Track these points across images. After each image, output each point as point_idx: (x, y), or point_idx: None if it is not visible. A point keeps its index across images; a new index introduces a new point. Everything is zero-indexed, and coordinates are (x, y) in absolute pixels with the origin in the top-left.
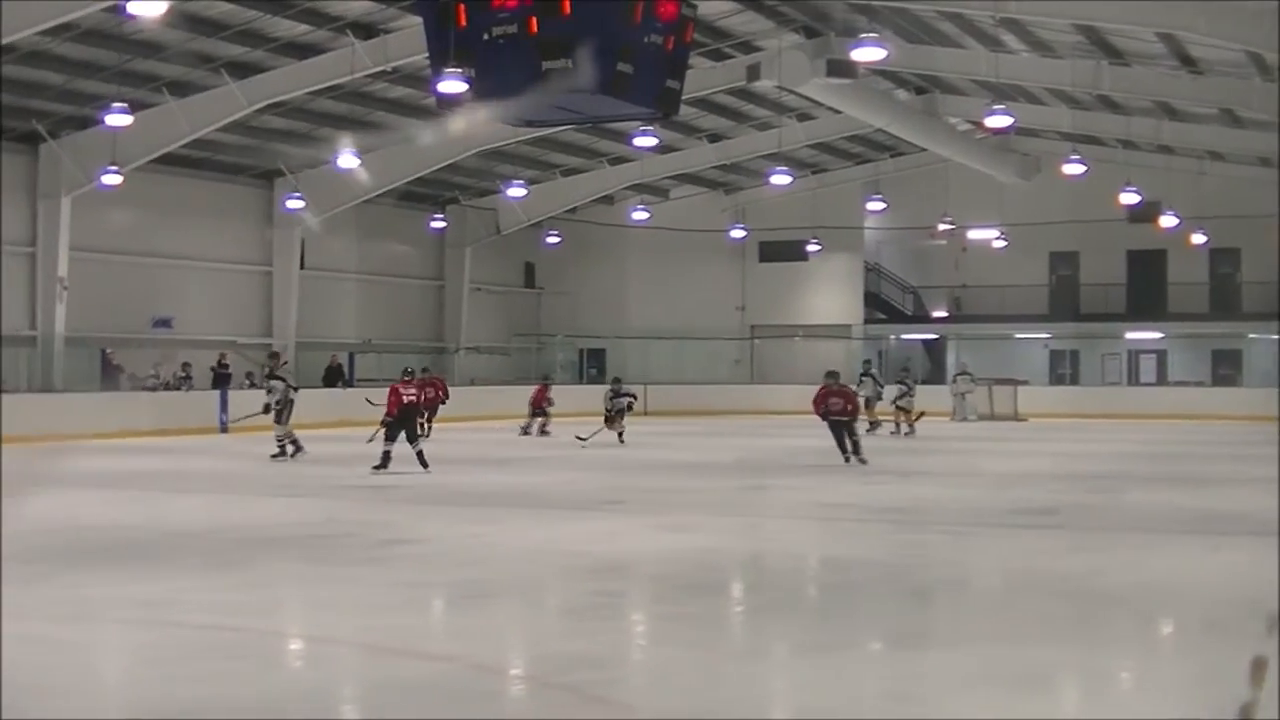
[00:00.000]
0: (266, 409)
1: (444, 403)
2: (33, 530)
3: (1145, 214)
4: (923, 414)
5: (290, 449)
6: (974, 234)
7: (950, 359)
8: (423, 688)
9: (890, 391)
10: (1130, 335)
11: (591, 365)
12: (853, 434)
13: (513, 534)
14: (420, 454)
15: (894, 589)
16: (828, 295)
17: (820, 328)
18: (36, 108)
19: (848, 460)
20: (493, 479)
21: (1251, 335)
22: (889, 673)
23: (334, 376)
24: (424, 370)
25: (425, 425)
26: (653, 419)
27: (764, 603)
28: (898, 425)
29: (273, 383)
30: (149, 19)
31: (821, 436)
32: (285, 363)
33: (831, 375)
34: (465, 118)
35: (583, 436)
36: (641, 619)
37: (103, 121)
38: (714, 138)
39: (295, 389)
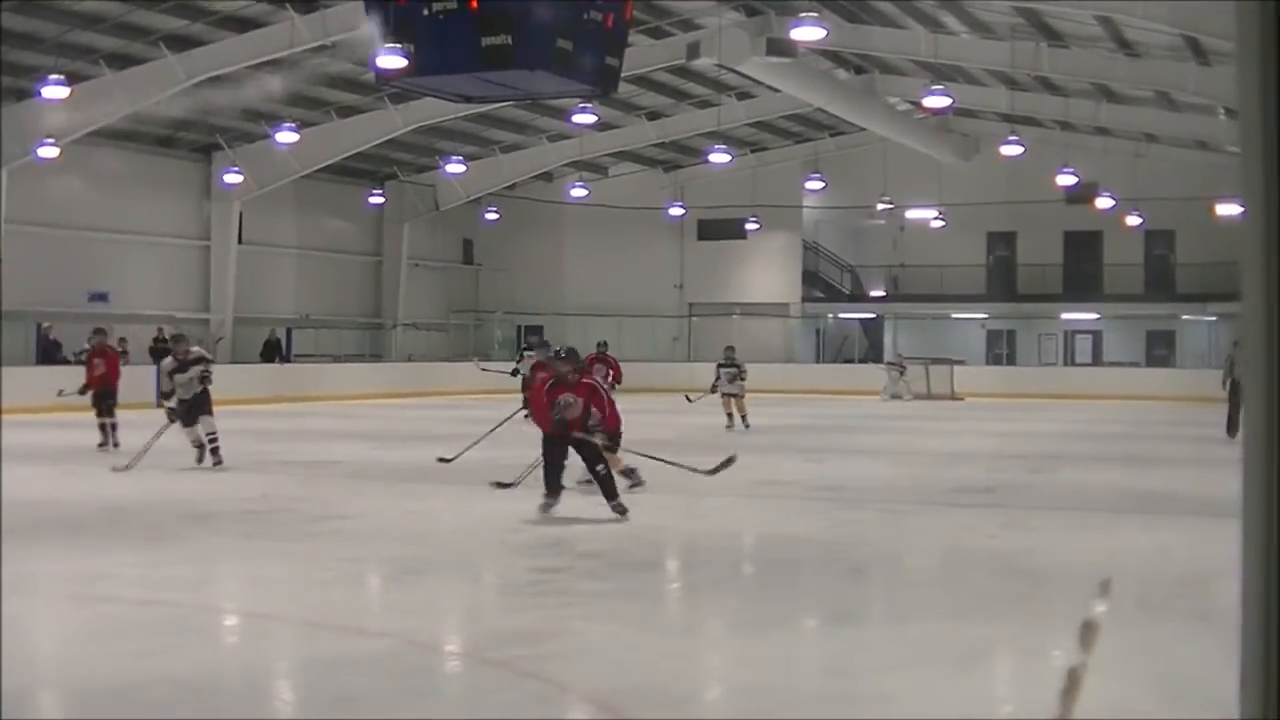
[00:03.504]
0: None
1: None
2: None
3: (1082, 195)
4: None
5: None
6: (912, 214)
7: (888, 338)
8: (359, 663)
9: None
10: (1066, 316)
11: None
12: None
13: (449, 510)
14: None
15: (831, 567)
16: (766, 274)
17: (758, 306)
18: None
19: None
20: (429, 454)
21: (1185, 316)
22: (825, 649)
23: (271, 352)
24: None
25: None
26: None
27: (700, 580)
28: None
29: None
30: None
31: (763, 414)
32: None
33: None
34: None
35: (691, 398)
36: (577, 596)
37: (39, 94)
38: (653, 115)
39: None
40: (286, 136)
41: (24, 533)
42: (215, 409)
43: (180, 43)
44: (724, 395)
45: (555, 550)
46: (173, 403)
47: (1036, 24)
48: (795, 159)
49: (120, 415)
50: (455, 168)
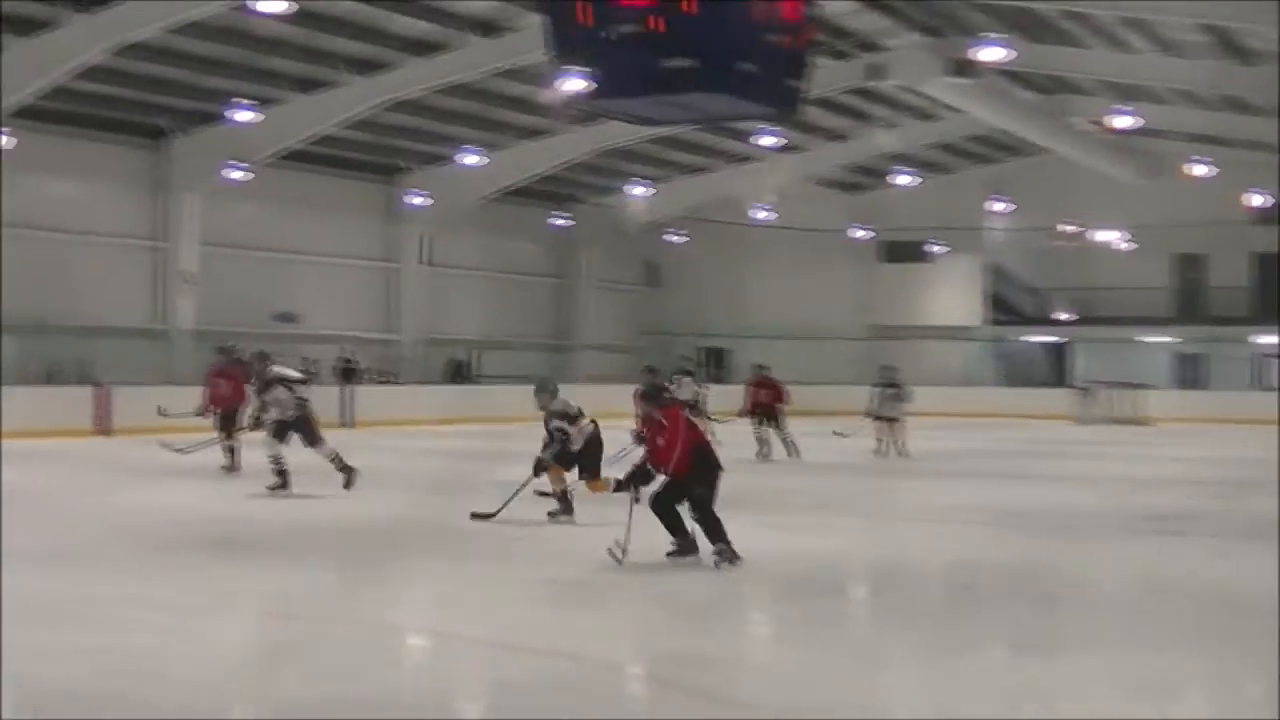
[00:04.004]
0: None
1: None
2: (164, 521)
3: (1272, 216)
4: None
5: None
6: (1098, 235)
7: (1074, 362)
8: (543, 685)
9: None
10: (1256, 339)
11: (712, 364)
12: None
13: (633, 532)
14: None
15: (1019, 593)
16: (948, 296)
17: (940, 329)
18: (163, 103)
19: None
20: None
21: None
22: (1014, 677)
23: (455, 373)
24: (761, 367)
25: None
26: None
27: (885, 605)
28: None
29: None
30: (273, 16)
31: (946, 439)
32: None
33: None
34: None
35: (841, 432)
36: (760, 619)
37: (228, 117)
38: (836, 137)
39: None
40: (471, 159)
41: (217, 550)
42: (404, 427)
43: (364, 66)
44: (879, 419)
45: (739, 573)
46: (269, 416)
47: (1223, 41)
48: (978, 180)
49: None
50: (638, 190)
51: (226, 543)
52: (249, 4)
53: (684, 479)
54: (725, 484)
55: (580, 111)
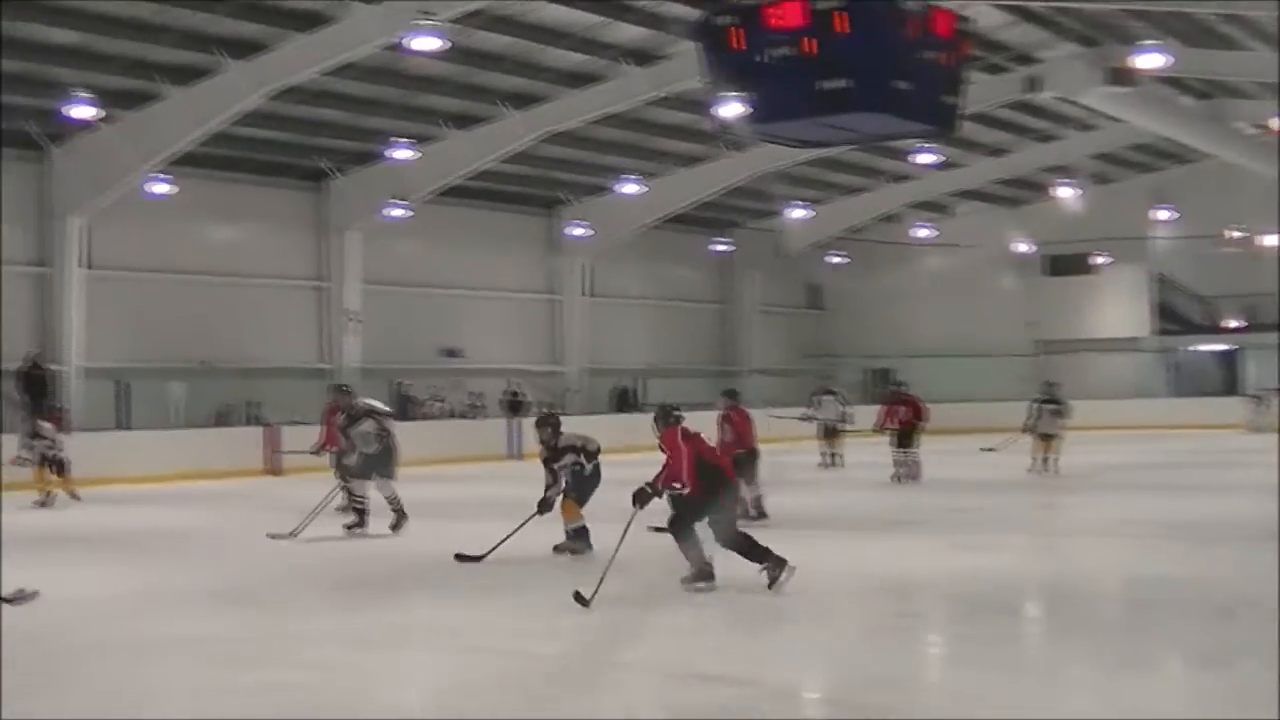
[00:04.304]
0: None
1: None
2: (337, 559)
3: None
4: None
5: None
6: (1265, 240)
7: (1245, 370)
8: (723, 711)
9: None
10: None
11: (878, 384)
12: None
13: (804, 555)
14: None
15: (1197, 608)
16: (1114, 307)
17: (1107, 341)
18: (321, 145)
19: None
20: (780, 500)
21: None
22: (1195, 693)
23: (619, 401)
24: (898, 385)
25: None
26: (941, 437)
27: (1062, 622)
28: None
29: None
30: (428, 54)
31: (1116, 452)
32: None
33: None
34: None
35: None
36: (938, 639)
37: (387, 156)
38: (995, 152)
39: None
40: (630, 188)
41: (390, 586)
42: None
43: (520, 100)
44: (1039, 435)
45: (917, 594)
46: (351, 460)
47: None
48: (1141, 189)
49: (468, 469)
50: (798, 212)
51: (396, 578)
52: (404, 44)
53: (696, 500)
54: (885, 505)
55: (737, 136)
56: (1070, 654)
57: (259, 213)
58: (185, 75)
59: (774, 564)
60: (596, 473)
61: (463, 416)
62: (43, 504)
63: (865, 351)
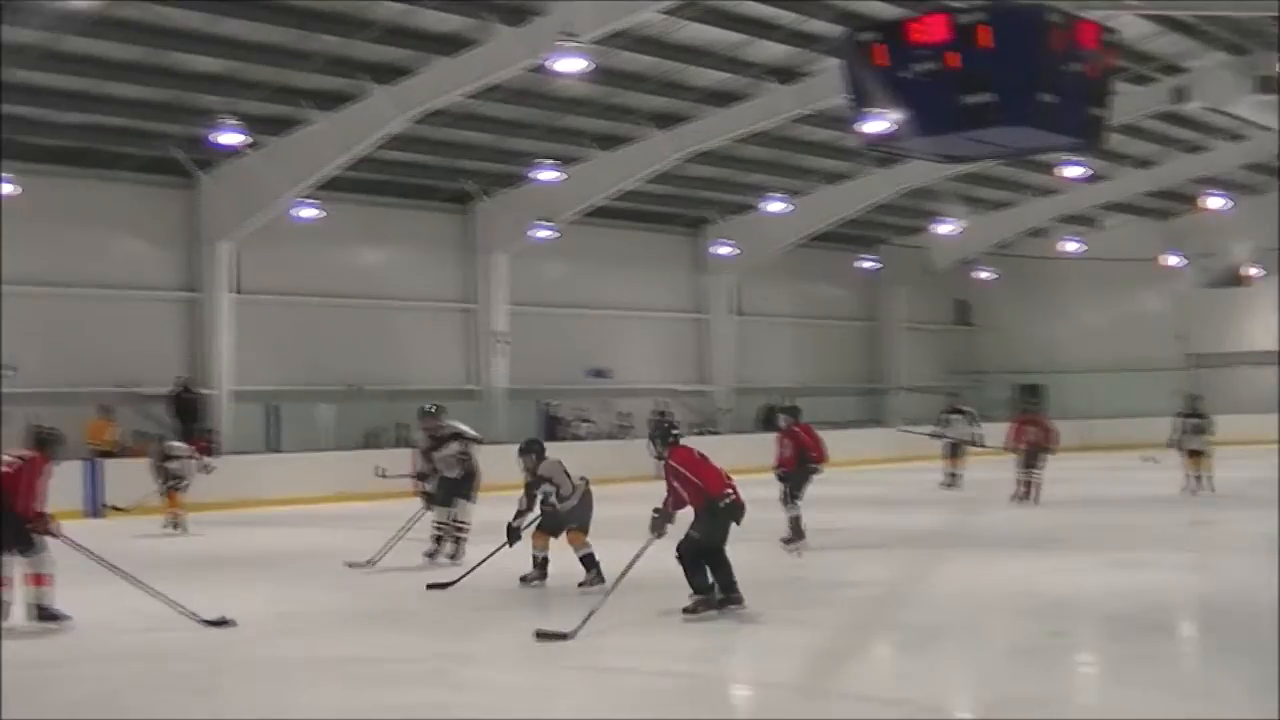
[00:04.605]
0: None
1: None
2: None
3: None
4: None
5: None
6: None
7: None
8: None
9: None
10: None
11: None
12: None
13: (952, 574)
14: None
15: None
16: (1268, 319)
17: (1262, 354)
18: (467, 167)
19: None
20: (926, 518)
21: None
22: None
23: (769, 420)
24: (1030, 404)
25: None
26: (1092, 453)
27: (1216, 641)
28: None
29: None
30: (572, 75)
31: (1268, 467)
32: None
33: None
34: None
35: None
36: (1091, 659)
37: (532, 178)
38: (1143, 163)
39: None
40: (775, 206)
41: (534, 606)
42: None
43: (664, 120)
44: (1185, 452)
45: (1067, 613)
46: (430, 485)
47: None
48: None
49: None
50: (945, 228)
51: (541, 598)
52: (547, 66)
53: (710, 523)
54: (1035, 522)
55: (883, 153)
56: (1224, 673)
57: (406, 236)
58: (330, 100)
59: (705, 603)
60: (587, 500)
61: (611, 437)
62: (174, 526)
63: (1013, 367)
